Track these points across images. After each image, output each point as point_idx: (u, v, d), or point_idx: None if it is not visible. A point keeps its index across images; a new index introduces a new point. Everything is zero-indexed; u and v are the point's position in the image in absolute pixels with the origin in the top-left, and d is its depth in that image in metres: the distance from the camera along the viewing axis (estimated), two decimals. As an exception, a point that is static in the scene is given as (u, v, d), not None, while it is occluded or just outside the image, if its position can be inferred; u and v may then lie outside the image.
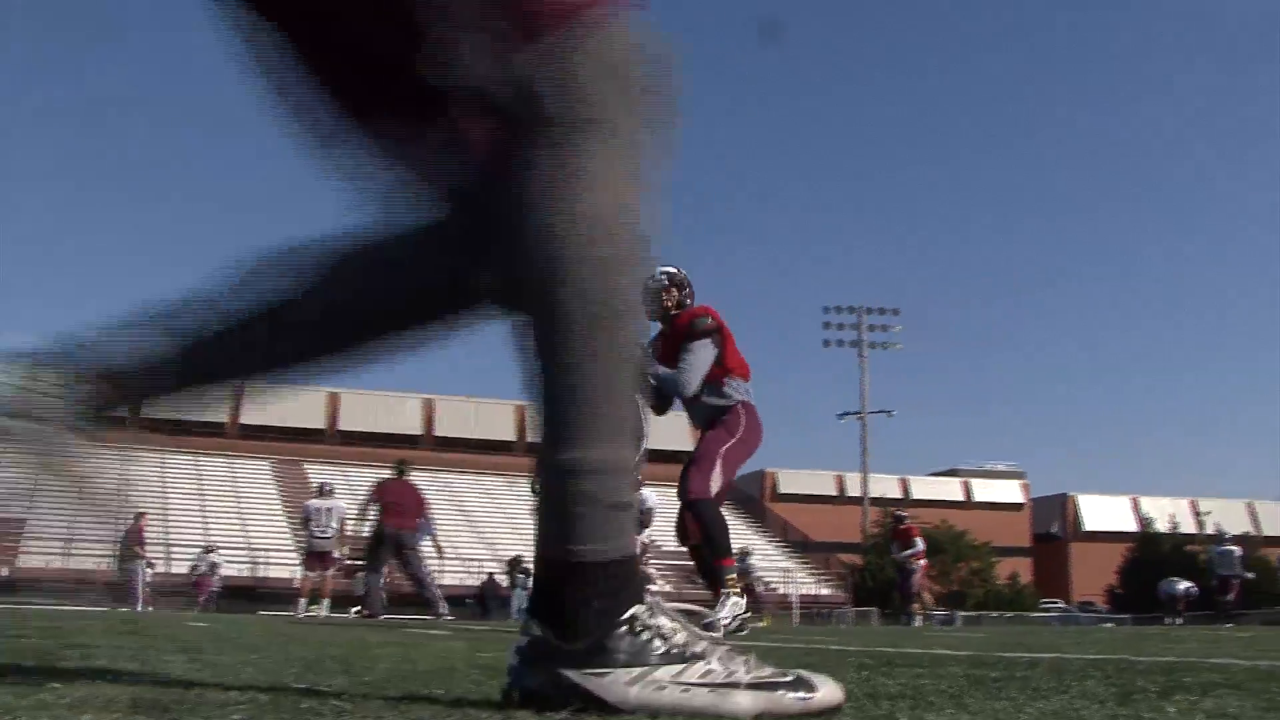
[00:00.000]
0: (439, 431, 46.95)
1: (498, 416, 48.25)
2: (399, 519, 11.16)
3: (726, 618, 4.38)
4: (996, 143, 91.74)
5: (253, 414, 44.13)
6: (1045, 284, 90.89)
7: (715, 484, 4.52)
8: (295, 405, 45.92)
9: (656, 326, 4.89)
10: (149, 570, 17.69)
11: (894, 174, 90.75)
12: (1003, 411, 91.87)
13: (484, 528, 37.55)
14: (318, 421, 45.59)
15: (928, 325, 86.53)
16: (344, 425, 45.51)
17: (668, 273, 4.82)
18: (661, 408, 4.78)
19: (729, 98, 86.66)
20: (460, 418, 47.73)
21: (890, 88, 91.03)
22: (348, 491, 38.66)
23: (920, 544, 14.11)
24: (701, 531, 4.53)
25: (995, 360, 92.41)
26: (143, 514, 18.03)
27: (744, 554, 20.60)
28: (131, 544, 17.25)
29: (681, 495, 4.52)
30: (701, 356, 4.66)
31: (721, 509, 4.48)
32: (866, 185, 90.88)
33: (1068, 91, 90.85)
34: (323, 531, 11.90)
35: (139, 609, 14.80)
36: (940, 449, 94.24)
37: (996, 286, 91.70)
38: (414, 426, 46.90)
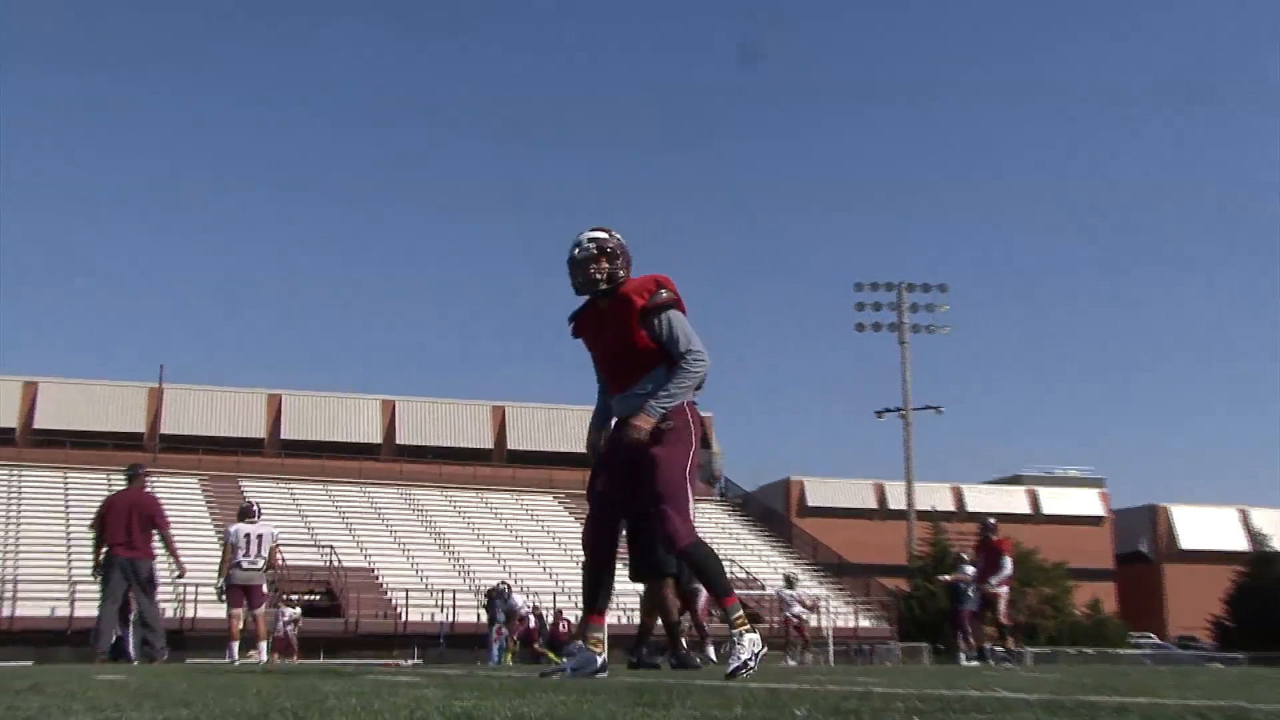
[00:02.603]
0: (401, 438, 47.01)
1: (470, 420, 48.36)
2: (125, 544, 10.83)
3: (750, 659, 4.43)
4: (1063, 71, 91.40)
5: (177, 420, 44.61)
6: (1121, 252, 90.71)
7: (693, 515, 4.53)
8: (229, 409, 45.96)
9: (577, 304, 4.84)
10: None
11: (938, 120, 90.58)
12: (1075, 405, 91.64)
13: (457, 550, 37.79)
14: (256, 429, 45.60)
15: (981, 303, 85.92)
16: (288, 433, 45.62)
17: (596, 239, 4.71)
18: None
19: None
20: (426, 422, 47.81)
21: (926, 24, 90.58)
22: (292, 512, 39.37)
23: (1009, 563, 14.21)
24: (701, 577, 4.58)
25: (1064, 344, 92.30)
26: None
27: (789, 580, 20.41)
28: None
29: (668, 546, 4.52)
30: (684, 321, 4.63)
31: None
32: (903, 134, 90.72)
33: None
34: (251, 562, 11.60)
35: None
36: (1000, 451, 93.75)
37: (1063, 256, 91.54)
38: (371, 433, 46.99)
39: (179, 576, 11.92)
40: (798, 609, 19.81)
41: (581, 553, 4.75)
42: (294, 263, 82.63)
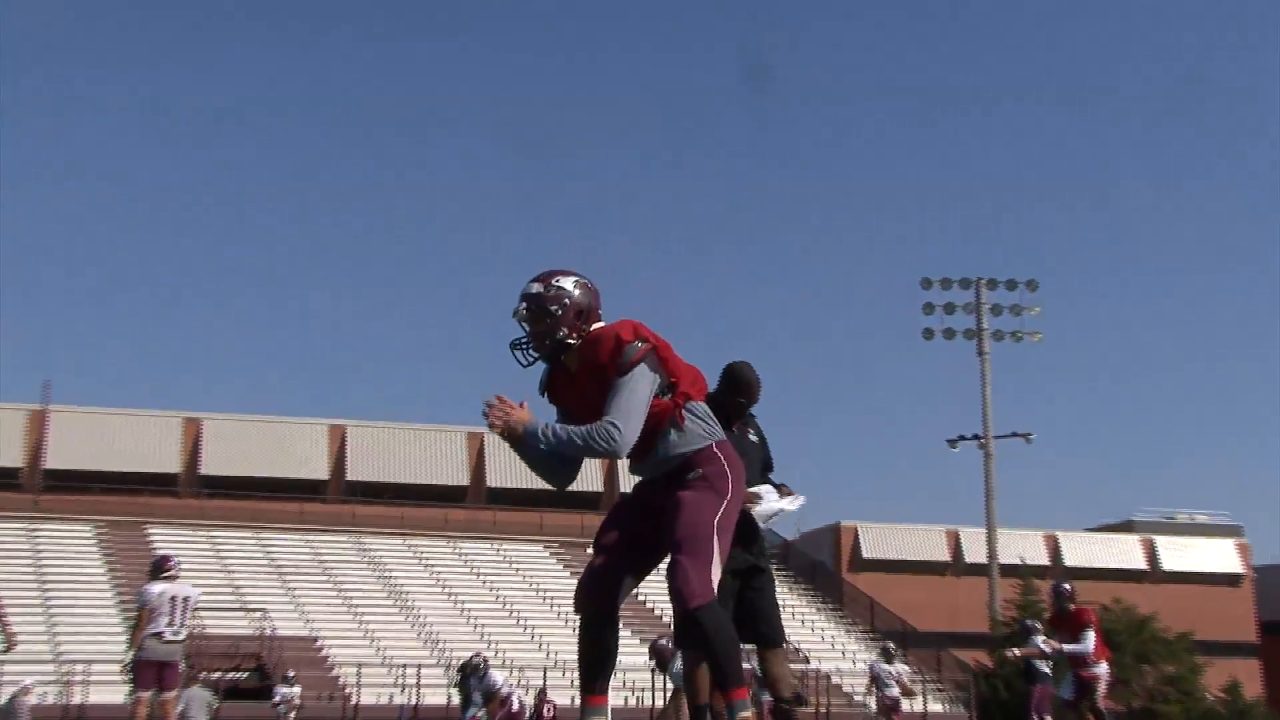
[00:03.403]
0: (354, 473, 47.48)
1: (440, 450, 48.83)
2: None
3: None
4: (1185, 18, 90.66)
5: (65, 451, 43.94)
6: (1263, 237, 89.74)
7: (715, 574, 4.73)
8: (133, 437, 45.24)
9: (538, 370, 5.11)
10: None
11: (1030, 79, 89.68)
12: (1205, 433, 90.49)
13: (423, 614, 38.13)
14: (169, 462, 45.60)
15: (1082, 304, 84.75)
16: (209, 468, 45.84)
17: (530, 296, 4.92)
18: (565, 477, 5.01)
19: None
20: (385, 453, 48.30)
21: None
22: (214, 566, 38.96)
23: (1093, 639, 14.25)
24: (706, 652, 4.76)
25: (1190, 355, 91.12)
26: None
27: (888, 654, 20.71)
28: None
29: (680, 602, 4.67)
30: (640, 393, 4.80)
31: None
32: (985, 99, 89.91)
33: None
34: (174, 632, 11.72)
35: None
36: (1108, 491, 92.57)
37: (1189, 244, 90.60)
38: (316, 466, 47.33)
39: (4, 651, 11.81)
40: (895, 690, 19.88)
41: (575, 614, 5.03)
42: (221, 259, 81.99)
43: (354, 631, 36.30)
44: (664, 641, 13.54)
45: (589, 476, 48.76)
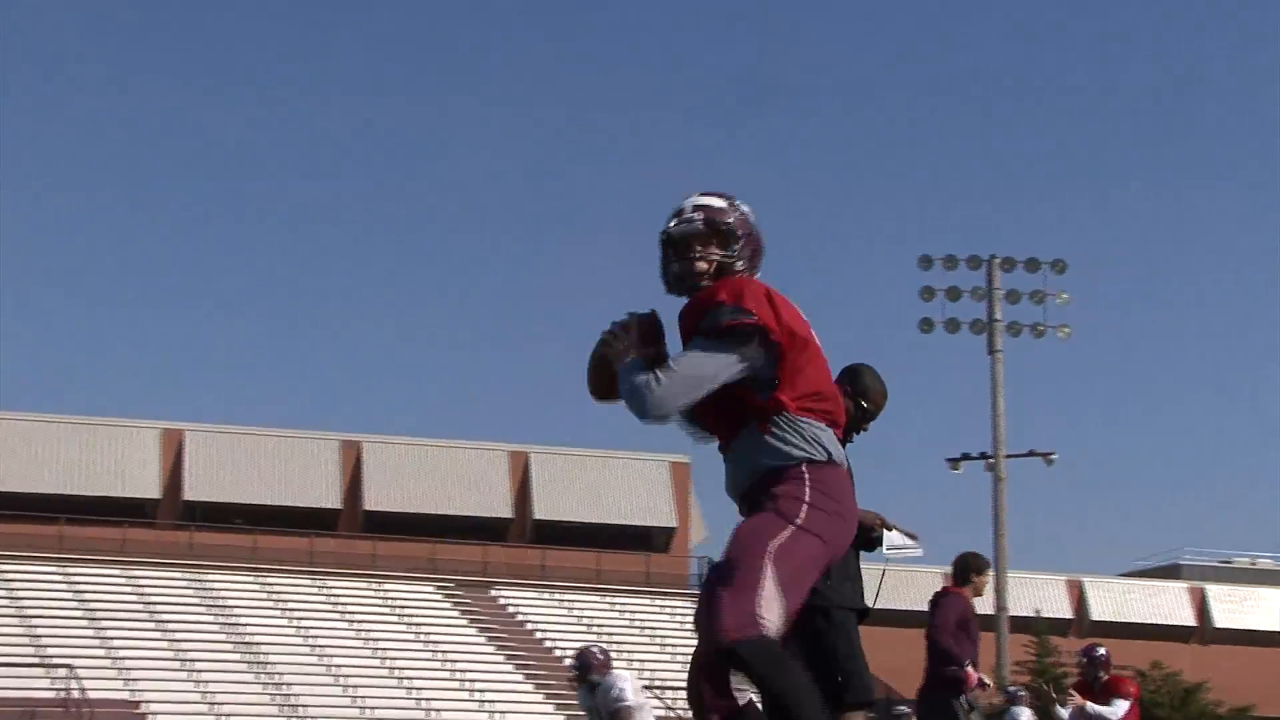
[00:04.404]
0: (191, 490, 47.70)
1: (307, 462, 49.23)
2: None
3: None
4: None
5: None
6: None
7: (769, 609, 4.75)
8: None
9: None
10: None
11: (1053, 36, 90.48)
12: (1270, 460, 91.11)
13: (278, 670, 38.07)
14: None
15: (1120, 292, 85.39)
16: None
17: (706, 207, 5.05)
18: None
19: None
20: (232, 466, 48.57)
21: None
22: (5, 609, 38.41)
23: (1124, 710, 14.62)
24: (765, 699, 4.79)
25: (1250, 361, 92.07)
26: None
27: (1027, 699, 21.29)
28: None
29: (710, 639, 4.78)
30: (705, 369, 4.93)
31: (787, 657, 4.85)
32: (999, 54, 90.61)
33: None
34: None
35: None
36: (1149, 527, 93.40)
37: (1249, 226, 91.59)
38: (144, 481, 47.46)
39: None
40: None
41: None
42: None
43: (188, 694, 36.21)
44: (595, 650, 13.49)
45: (495, 501, 48.71)
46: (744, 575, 4.76)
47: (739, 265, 5.06)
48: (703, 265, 5.00)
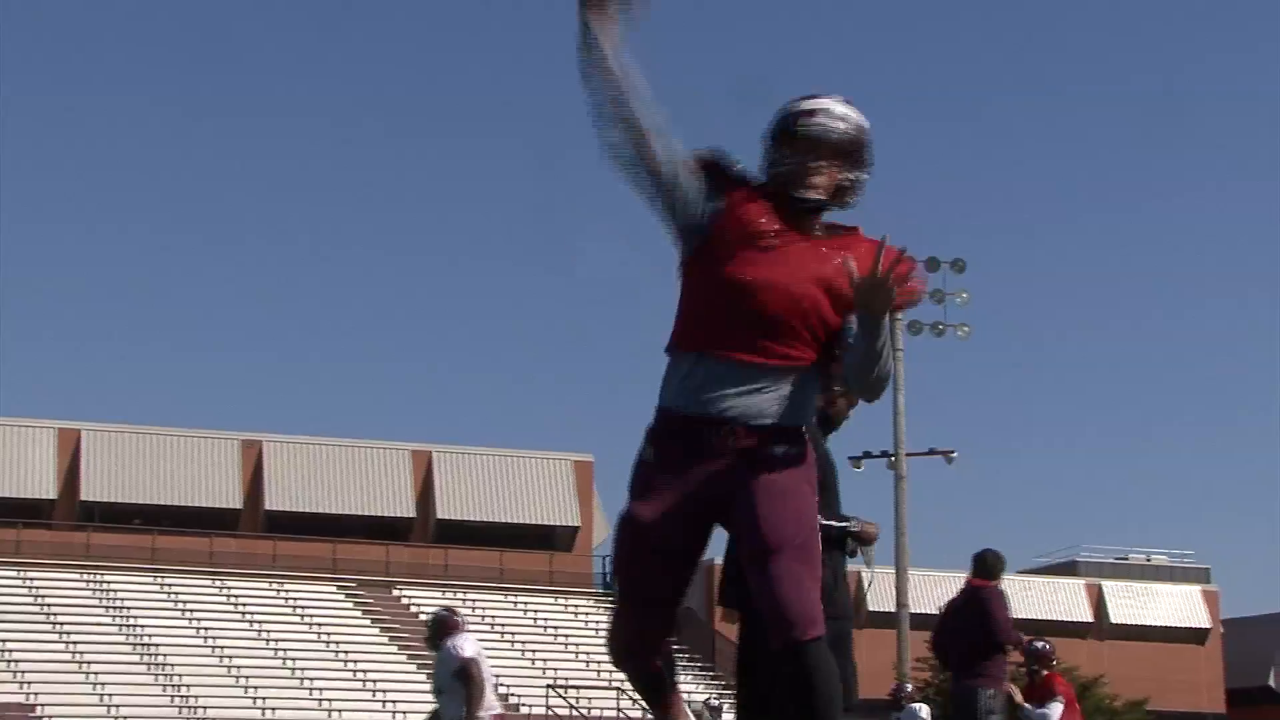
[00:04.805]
0: (89, 491, 47.18)
1: (206, 460, 48.73)
2: None
3: None
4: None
5: None
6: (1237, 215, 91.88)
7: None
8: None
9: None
10: None
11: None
12: (1167, 455, 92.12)
13: (177, 672, 37.87)
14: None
15: (1020, 291, 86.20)
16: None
17: (859, 123, 4.64)
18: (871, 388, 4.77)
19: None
20: (129, 464, 47.96)
21: None
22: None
23: (1059, 712, 14.79)
24: (809, 700, 4.45)
25: (1147, 359, 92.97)
26: None
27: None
28: None
29: (785, 630, 4.43)
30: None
31: None
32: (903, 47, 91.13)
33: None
34: None
35: None
36: (1047, 524, 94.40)
37: (1148, 222, 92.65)
38: (39, 482, 46.96)
39: None
40: None
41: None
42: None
43: (86, 696, 36.01)
44: (445, 613, 13.25)
45: (398, 500, 48.49)
46: (811, 557, 4.49)
47: (851, 199, 4.62)
48: (824, 180, 4.54)
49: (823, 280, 4.45)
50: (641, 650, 4.75)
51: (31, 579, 42.16)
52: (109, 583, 42.83)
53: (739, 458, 4.43)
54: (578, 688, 39.15)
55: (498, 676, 40.31)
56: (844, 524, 7.57)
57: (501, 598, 46.51)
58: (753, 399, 4.45)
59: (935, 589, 49.54)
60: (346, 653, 40.69)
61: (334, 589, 45.49)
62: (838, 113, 4.55)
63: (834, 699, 4.42)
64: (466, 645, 12.14)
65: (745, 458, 4.43)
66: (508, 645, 43.48)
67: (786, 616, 4.35)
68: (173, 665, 38.37)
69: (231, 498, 48.03)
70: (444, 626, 12.65)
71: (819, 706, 4.39)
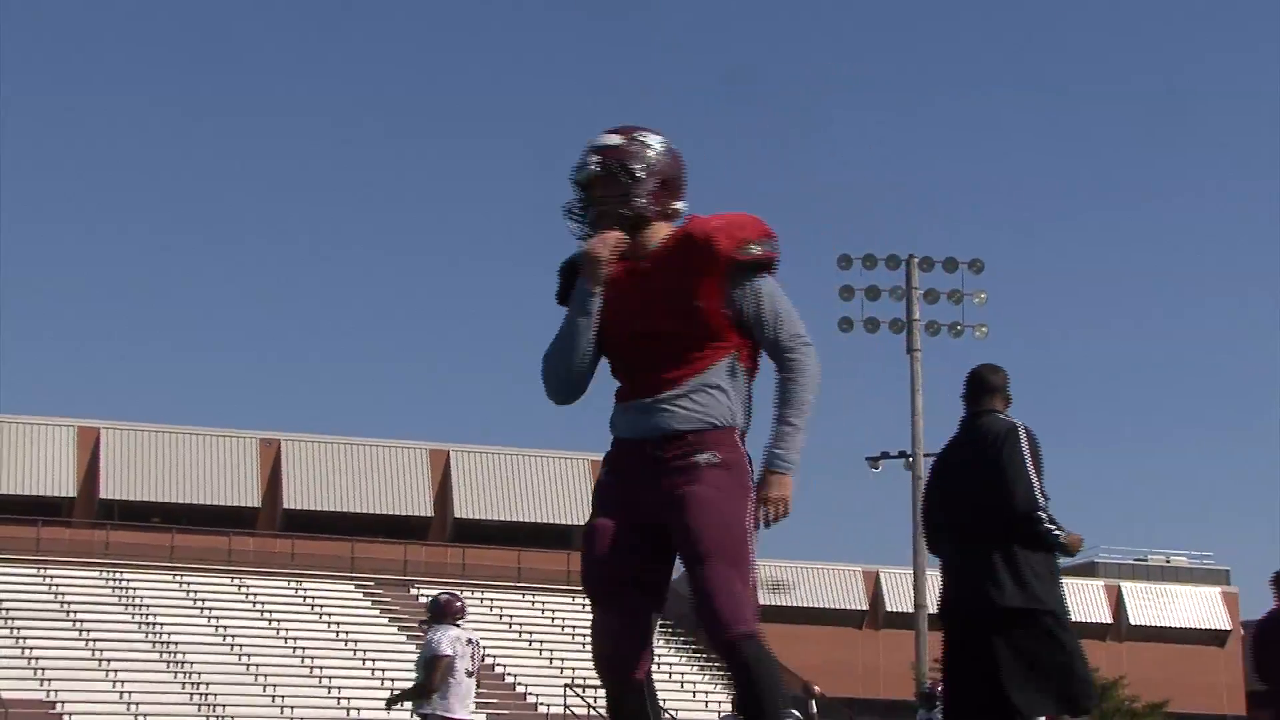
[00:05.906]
0: (108, 489, 47.17)
1: (223, 460, 48.73)
2: None
3: None
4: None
5: None
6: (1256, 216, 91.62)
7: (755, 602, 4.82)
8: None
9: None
10: None
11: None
12: (1188, 458, 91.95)
13: (197, 670, 37.77)
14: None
15: (1038, 292, 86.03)
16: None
17: (613, 148, 4.84)
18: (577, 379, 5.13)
19: None
20: (145, 462, 48.08)
21: None
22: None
23: None
24: (750, 696, 4.71)
25: (1166, 360, 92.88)
26: None
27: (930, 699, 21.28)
28: None
29: (720, 629, 4.67)
30: (783, 295, 4.98)
31: None
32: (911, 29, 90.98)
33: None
34: None
35: None
36: (1066, 526, 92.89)
37: (1173, 224, 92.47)
38: (59, 480, 47.08)
39: None
40: None
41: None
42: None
43: (106, 694, 36.04)
44: (447, 597, 13.09)
45: (415, 499, 48.56)
46: (740, 557, 4.70)
47: (674, 205, 4.95)
48: (628, 208, 4.89)
49: (672, 290, 4.75)
50: (616, 657, 4.85)
51: (51, 576, 42.28)
52: (128, 581, 42.92)
53: (670, 471, 4.73)
54: (596, 687, 39.10)
55: (515, 675, 40.75)
56: (1056, 534, 7.94)
57: (519, 597, 46.54)
58: (663, 417, 4.74)
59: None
60: (364, 651, 40.76)
61: (352, 587, 45.55)
62: (592, 149, 4.84)
63: (773, 685, 4.70)
64: (444, 641, 12.07)
65: (675, 470, 4.72)
66: (525, 644, 43.53)
67: (719, 619, 4.62)
68: (191, 663, 38.46)
69: (250, 496, 48.12)
70: (440, 611, 12.63)
71: (759, 694, 4.66)
